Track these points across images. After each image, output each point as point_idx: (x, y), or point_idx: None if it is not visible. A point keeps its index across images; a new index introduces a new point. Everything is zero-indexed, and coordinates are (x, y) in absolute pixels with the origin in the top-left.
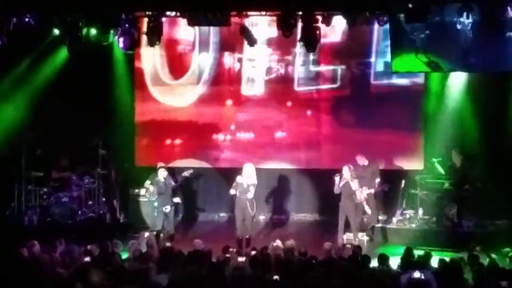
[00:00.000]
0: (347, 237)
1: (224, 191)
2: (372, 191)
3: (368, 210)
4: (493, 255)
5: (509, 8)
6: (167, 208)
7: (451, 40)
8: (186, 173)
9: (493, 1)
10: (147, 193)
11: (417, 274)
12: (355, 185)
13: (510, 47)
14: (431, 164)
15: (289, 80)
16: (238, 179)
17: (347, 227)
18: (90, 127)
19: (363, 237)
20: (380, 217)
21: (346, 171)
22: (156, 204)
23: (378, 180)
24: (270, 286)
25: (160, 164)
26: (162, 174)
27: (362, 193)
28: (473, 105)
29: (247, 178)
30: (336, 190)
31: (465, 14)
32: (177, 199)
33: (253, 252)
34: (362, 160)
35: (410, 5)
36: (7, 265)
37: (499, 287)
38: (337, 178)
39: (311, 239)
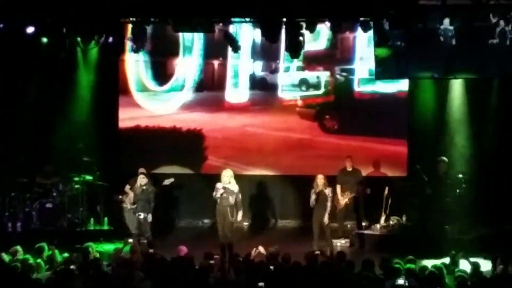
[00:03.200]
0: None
1: (207, 198)
2: (354, 194)
3: (326, 220)
4: (475, 262)
5: (491, 15)
6: (141, 215)
7: (434, 47)
8: (166, 182)
9: (475, 8)
10: (127, 199)
11: (401, 281)
12: (329, 191)
13: (492, 54)
14: (415, 171)
15: (273, 87)
16: (218, 185)
17: (322, 234)
18: (74, 133)
19: (346, 243)
20: (363, 224)
21: (321, 180)
22: (133, 210)
23: (361, 186)
24: None
25: (141, 170)
26: (140, 181)
27: (344, 198)
28: (459, 110)
29: (227, 184)
30: (312, 203)
31: (447, 21)
32: (148, 202)
33: (236, 258)
34: (349, 164)
35: (393, 12)
36: None
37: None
38: (312, 191)
39: (295, 245)
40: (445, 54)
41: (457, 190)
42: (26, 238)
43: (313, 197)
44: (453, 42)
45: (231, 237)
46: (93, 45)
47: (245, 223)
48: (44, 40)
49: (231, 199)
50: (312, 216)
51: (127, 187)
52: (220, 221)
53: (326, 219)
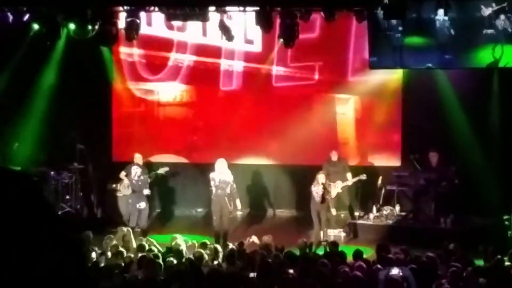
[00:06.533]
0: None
1: (201, 187)
2: (349, 183)
3: (333, 212)
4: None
5: (482, 7)
6: (141, 205)
7: (428, 37)
8: (161, 171)
9: None
10: (121, 187)
11: (395, 271)
12: (330, 188)
13: (486, 44)
14: (409, 161)
15: (267, 76)
16: (212, 175)
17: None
18: (68, 122)
19: (340, 233)
20: (357, 213)
21: (322, 178)
22: (130, 200)
23: (349, 174)
24: (246, 283)
25: (137, 156)
26: (135, 171)
27: (336, 188)
28: (454, 101)
29: (221, 173)
30: (318, 199)
31: (442, 11)
32: (146, 191)
33: (230, 248)
34: (334, 156)
35: (388, 1)
36: None
37: (477, 283)
38: (314, 189)
39: (289, 234)
40: (439, 44)
41: (453, 180)
42: None
43: (315, 192)
44: (448, 32)
45: (228, 226)
46: (87, 34)
47: (239, 213)
48: (35, 27)
49: (227, 189)
50: (311, 207)
51: (123, 174)
52: (217, 211)
53: (333, 211)
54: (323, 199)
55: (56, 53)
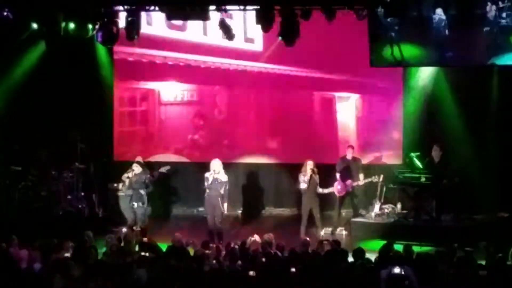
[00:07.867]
0: (325, 232)
1: (202, 186)
2: (360, 183)
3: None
4: (470, 249)
5: (489, 3)
6: (135, 205)
7: (428, 34)
8: (163, 169)
9: None
10: (123, 187)
11: (397, 270)
12: (317, 178)
13: (487, 42)
14: (410, 159)
15: (267, 75)
16: (206, 174)
17: (312, 222)
18: (69, 122)
19: (341, 231)
20: (359, 212)
21: (310, 166)
22: (126, 199)
23: (361, 175)
24: (248, 282)
25: (138, 158)
26: (134, 169)
27: (347, 187)
28: (453, 100)
29: (216, 174)
30: (304, 186)
31: (442, 9)
32: (142, 191)
33: (232, 247)
34: (349, 154)
35: (388, 0)
36: None
37: (478, 282)
38: (301, 176)
39: (290, 233)
40: (439, 42)
41: (454, 178)
42: (21, 226)
43: (302, 180)
44: (447, 30)
45: (220, 226)
46: (87, 33)
47: (239, 211)
48: (34, 26)
49: (221, 189)
50: (302, 202)
51: (125, 176)
52: (210, 211)
53: (320, 190)
54: (309, 185)
55: (57, 53)
